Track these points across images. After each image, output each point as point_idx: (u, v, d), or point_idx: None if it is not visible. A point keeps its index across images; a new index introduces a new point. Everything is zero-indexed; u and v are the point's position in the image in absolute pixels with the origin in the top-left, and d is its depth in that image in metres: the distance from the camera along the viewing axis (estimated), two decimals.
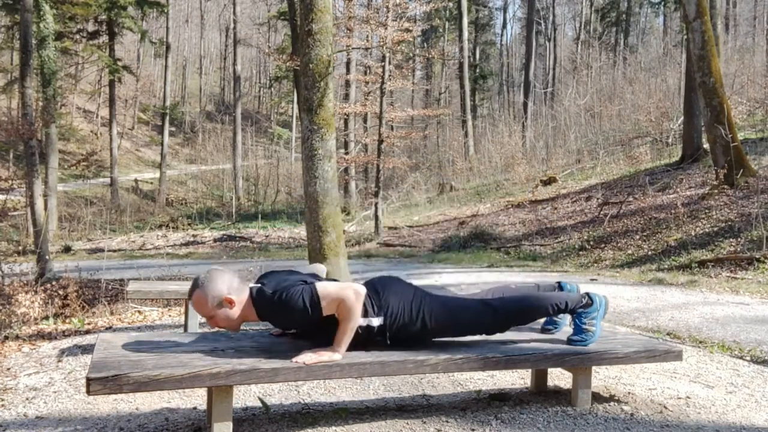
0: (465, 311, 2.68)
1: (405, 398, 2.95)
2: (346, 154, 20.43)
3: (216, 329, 3.08)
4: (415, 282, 2.88)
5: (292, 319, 2.47)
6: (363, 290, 2.44)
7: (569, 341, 2.81)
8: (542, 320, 3.06)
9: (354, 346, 2.49)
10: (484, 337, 2.91)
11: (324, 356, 2.35)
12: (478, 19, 41.33)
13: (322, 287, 2.39)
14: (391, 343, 2.60)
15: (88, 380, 2.06)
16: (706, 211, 10.53)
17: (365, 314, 2.54)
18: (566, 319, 3.08)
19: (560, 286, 2.97)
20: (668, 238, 10.09)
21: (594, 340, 2.81)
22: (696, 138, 14.62)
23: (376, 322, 2.56)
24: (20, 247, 13.67)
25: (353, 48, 19.71)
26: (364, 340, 2.56)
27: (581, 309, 2.83)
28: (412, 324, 2.60)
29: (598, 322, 2.84)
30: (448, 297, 2.74)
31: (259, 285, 2.51)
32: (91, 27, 28.67)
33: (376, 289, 2.63)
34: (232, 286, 2.45)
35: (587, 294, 2.88)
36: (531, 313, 2.81)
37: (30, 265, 9.96)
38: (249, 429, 2.47)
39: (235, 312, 2.45)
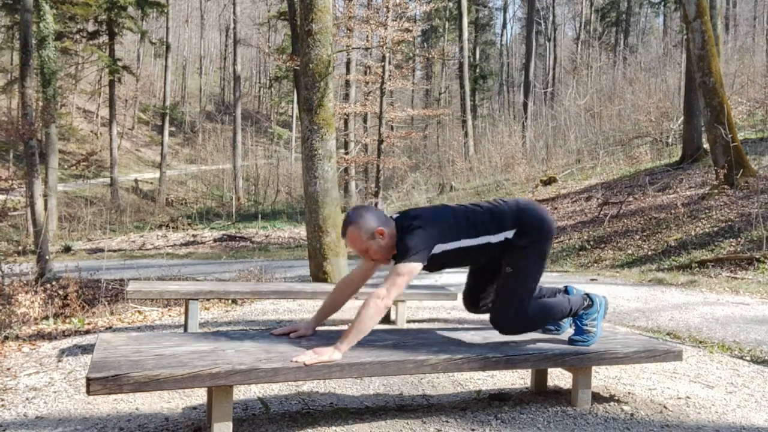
0: (529, 293, 2.75)
1: (405, 398, 2.95)
2: (346, 154, 20.44)
3: (216, 330, 3.08)
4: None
5: (402, 247, 2.56)
6: (389, 305, 2.51)
7: (571, 341, 2.82)
8: None
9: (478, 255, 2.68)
10: (484, 337, 2.91)
11: (324, 356, 2.35)
12: (478, 19, 41.33)
13: (413, 266, 2.50)
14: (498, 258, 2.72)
15: (88, 380, 2.06)
16: (706, 211, 10.53)
17: (504, 228, 2.68)
18: (569, 321, 3.09)
19: (566, 291, 2.97)
20: (668, 238, 10.09)
21: (595, 341, 2.83)
22: (696, 138, 14.62)
23: (510, 234, 2.68)
24: (20, 247, 13.67)
25: (353, 48, 19.72)
26: (500, 251, 2.69)
27: (582, 310, 2.85)
28: (523, 242, 2.69)
29: (599, 322, 2.86)
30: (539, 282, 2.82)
31: (402, 218, 2.65)
32: (91, 27, 28.68)
33: (516, 207, 2.75)
34: (380, 218, 2.60)
35: (587, 295, 2.90)
36: (545, 321, 2.85)
37: (30, 265, 9.96)
38: (249, 429, 2.47)
39: (387, 242, 2.58)
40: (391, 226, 2.61)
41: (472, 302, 2.95)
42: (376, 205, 16.51)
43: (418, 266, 2.52)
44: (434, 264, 2.65)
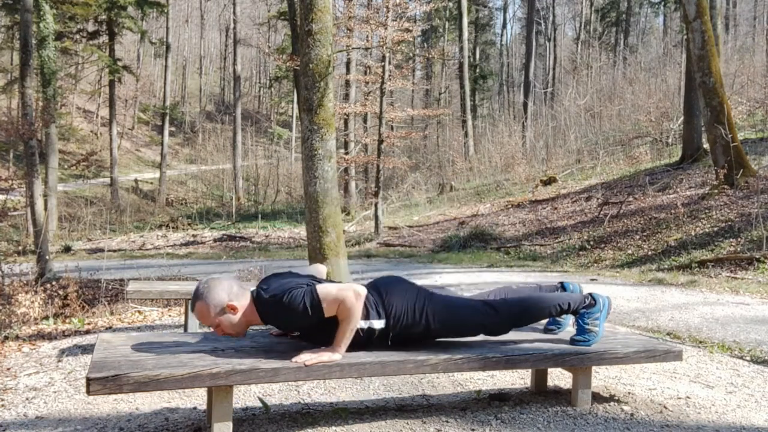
0: (468, 312, 2.68)
1: (405, 398, 2.95)
2: (346, 154, 20.43)
3: None
4: (415, 282, 2.88)
5: (294, 321, 2.47)
6: (363, 291, 2.43)
7: (572, 341, 2.81)
8: (545, 320, 3.05)
9: (354, 347, 2.49)
10: (484, 337, 2.91)
11: (324, 356, 2.35)
12: (478, 19, 41.32)
13: (322, 288, 2.39)
14: (392, 344, 2.60)
15: (88, 380, 2.06)
16: (706, 211, 10.53)
17: (366, 316, 2.53)
18: (569, 319, 3.08)
19: (563, 287, 2.97)
20: (668, 238, 10.09)
21: (597, 341, 2.82)
22: (696, 138, 14.63)
23: (377, 324, 2.56)
24: (20, 247, 13.67)
25: (353, 48, 19.71)
26: (365, 341, 2.56)
27: (584, 309, 2.83)
28: (415, 325, 2.60)
29: (602, 322, 2.84)
30: (452, 297, 2.73)
31: (259, 288, 2.51)
32: (91, 27, 28.67)
33: (379, 290, 2.63)
34: (232, 291, 2.45)
35: (590, 294, 2.88)
36: (533, 314, 2.80)
37: (30, 265, 9.95)
38: (249, 429, 2.47)
39: (239, 317, 2.45)
40: (245, 297, 2.48)
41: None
42: (376, 205, 16.50)
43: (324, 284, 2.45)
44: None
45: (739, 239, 8.98)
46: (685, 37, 14.22)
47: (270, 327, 3.34)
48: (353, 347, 2.49)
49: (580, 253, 10.94)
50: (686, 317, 5.30)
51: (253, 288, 2.55)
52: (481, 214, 17.01)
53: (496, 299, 2.79)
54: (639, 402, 2.92)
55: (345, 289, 2.39)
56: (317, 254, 6.10)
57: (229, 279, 2.52)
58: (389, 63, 16.71)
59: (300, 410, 2.75)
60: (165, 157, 29.75)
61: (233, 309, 2.44)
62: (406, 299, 2.61)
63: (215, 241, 17.14)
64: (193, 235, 18.27)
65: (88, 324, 5.32)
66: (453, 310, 2.66)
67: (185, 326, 4.31)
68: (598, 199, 14.21)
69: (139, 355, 2.35)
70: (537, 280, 7.83)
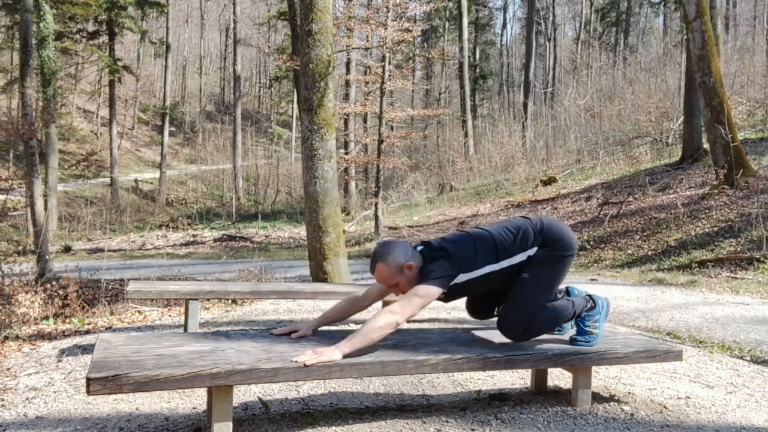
0: (543, 300, 2.74)
1: (405, 398, 2.95)
2: (346, 154, 20.43)
3: (216, 330, 3.08)
4: None
5: (425, 272, 2.59)
6: (402, 323, 2.50)
7: (572, 341, 2.82)
8: None
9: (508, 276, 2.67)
10: (484, 337, 2.91)
11: (324, 356, 2.35)
12: (478, 19, 41.33)
13: (433, 289, 2.50)
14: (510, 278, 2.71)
15: (88, 380, 2.06)
16: (706, 211, 10.53)
17: (527, 247, 2.69)
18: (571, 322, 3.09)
19: (567, 292, 2.97)
20: (668, 238, 10.09)
21: (597, 342, 2.83)
22: (696, 138, 14.63)
23: (531, 252, 2.70)
24: (20, 247, 13.68)
25: (353, 48, 19.72)
26: (521, 268, 2.70)
27: (585, 312, 2.86)
28: (542, 255, 2.71)
29: (601, 323, 2.86)
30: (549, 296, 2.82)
31: (423, 252, 2.66)
32: (91, 27, 28.67)
33: (542, 224, 2.76)
34: (408, 253, 2.60)
35: (590, 296, 2.90)
36: (550, 329, 2.85)
37: (30, 265, 9.96)
38: (249, 429, 2.47)
39: (416, 275, 2.58)
40: (418, 258, 2.62)
41: (477, 310, 2.96)
42: (376, 205, 16.50)
43: (437, 290, 2.53)
44: (456, 292, 2.66)
45: (739, 239, 8.98)
46: (685, 37, 14.23)
47: (270, 327, 3.32)
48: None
49: (580, 253, 10.95)
50: (686, 317, 5.30)
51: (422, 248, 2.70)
52: (481, 214, 17.02)
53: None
54: (639, 402, 2.92)
55: (406, 310, 2.46)
56: (317, 254, 6.10)
57: (403, 242, 2.67)
58: (389, 63, 16.71)
59: (300, 410, 2.75)
60: (165, 157, 29.75)
61: (410, 268, 2.58)
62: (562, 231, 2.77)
63: (215, 241, 17.14)
64: (193, 235, 18.27)
65: (88, 324, 5.32)
66: (551, 283, 2.77)
67: (185, 326, 4.31)
68: (598, 199, 14.21)
69: (139, 355, 2.35)
70: None
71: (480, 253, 2.64)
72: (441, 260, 2.58)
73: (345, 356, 2.38)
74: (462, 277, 2.60)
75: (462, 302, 5.86)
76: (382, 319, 2.42)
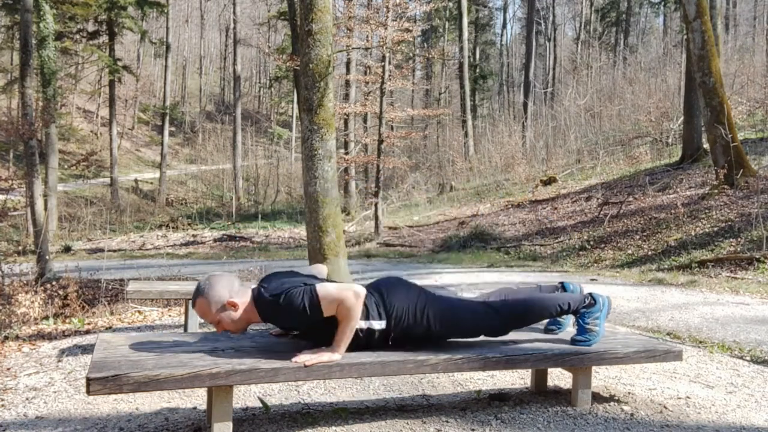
0: (468, 314, 2.68)
1: (405, 398, 2.95)
2: (346, 154, 20.43)
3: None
4: (416, 282, 2.88)
5: (293, 319, 2.47)
6: (363, 291, 2.43)
7: (573, 341, 2.81)
8: (545, 320, 3.05)
9: (354, 348, 2.49)
10: (484, 337, 2.91)
11: (323, 356, 2.35)
12: (478, 19, 41.32)
13: (321, 288, 2.39)
14: (392, 344, 2.60)
15: (88, 380, 2.06)
16: (706, 211, 10.53)
17: (366, 317, 2.53)
18: (569, 319, 3.09)
19: (563, 287, 2.97)
20: (668, 238, 10.09)
21: (597, 340, 2.82)
22: (696, 138, 14.63)
23: (377, 325, 2.55)
24: (20, 247, 13.67)
25: (353, 48, 19.71)
26: (365, 342, 2.55)
27: (584, 309, 2.84)
28: (416, 326, 2.60)
29: (602, 322, 2.84)
30: (452, 299, 2.73)
31: (260, 287, 2.51)
32: (91, 27, 28.67)
33: (380, 290, 2.62)
34: (233, 289, 2.47)
35: (590, 294, 2.89)
36: (534, 315, 2.80)
37: (30, 265, 9.96)
38: (249, 429, 2.47)
39: (239, 314, 2.46)
40: (246, 295, 2.49)
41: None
42: (376, 205, 16.49)
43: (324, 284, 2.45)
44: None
45: (739, 239, 8.98)
46: (685, 37, 14.22)
47: (270, 326, 3.33)
48: (353, 348, 2.49)
49: (580, 253, 10.94)
50: (686, 317, 5.30)
51: (254, 286, 2.55)
52: (481, 214, 17.01)
53: (496, 300, 2.78)
54: (639, 402, 2.92)
55: (344, 289, 2.38)
56: (317, 254, 6.10)
57: (230, 276, 2.52)
58: (389, 63, 16.71)
59: (300, 410, 2.75)
60: (165, 157, 29.74)
61: (234, 306, 2.44)
62: (407, 300, 2.61)
63: (215, 241, 17.14)
64: (193, 235, 18.27)
65: (88, 324, 5.32)
66: (454, 312, 2.66)
67: (185, 326, 4.31)
68: (598, 199, 14.20)
69: (139, 355, 2.35)
70: (537, 279, 7.83)
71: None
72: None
73: (344, 354, 2.39)
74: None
75: None
76: (347, 303, 2.36)
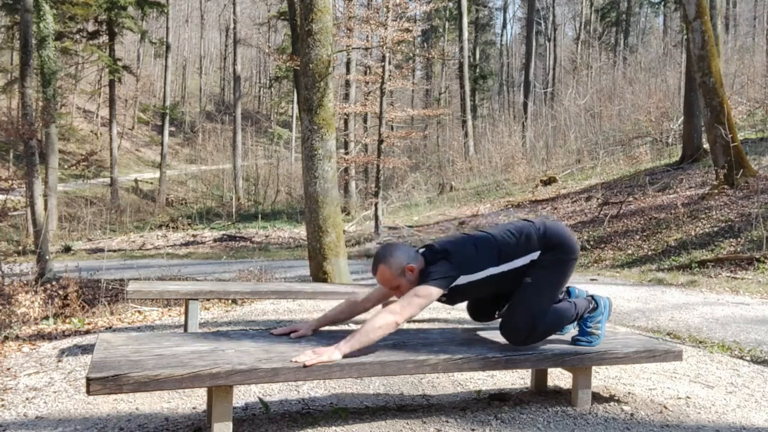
0: (546, 304, 2.73)
1: (405, 398, 2.95)
2: (346, 154, 20.43)
3: (216, 330, 3.08)
4: None
5: (426, 274, 2.59)
6: (394, 327, 2.49)
7: (574, 341, 2.82)
8: None
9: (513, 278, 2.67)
10: (484, 337, 2.91)
11: (324, 356, 2.35)
12: (478, 19, 41.33)
13: (426, 290, 2.50)
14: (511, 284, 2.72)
15: (88, 380, 2.06)
16: (706, 211, 10.53)
17: (530, 250, 2.68)
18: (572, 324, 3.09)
19: (568, 292, 2.97)
20: (668, 238, 10.09)
21: (599, 342, 2.83)
22: (696, 138, 14.63)
23: (535, 256, 2.69)
24: (20, 247, 13.69)
25: (353, 48, 19.71)
26: (523, 271, 2.69)
27: (587, 313, 2.86)
28: (545, 259, 2.71)
29: (603, 324, 2.86)
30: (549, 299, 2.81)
31: (427, 254, 2.66)
32: (91, 27, 28.67)
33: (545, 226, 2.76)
34: (410, 255, 2.61)
35: (592, 297, 2.90)
36: (556, 329, 2.83)
37: (30, 265, 9.96)
38: (249, 429, 2.47)
39: (416, 278, 2.59)
40: (419, 261, 2.63)
41: (478, 313, 2.96)
42: (376, 205, 16.50)
43: (437, 291, 2.52)
44: (457, 295, 2.66)
45: (739, 239, 8.98)
46: (685, 37, 14.23)
47: (268, 325, 3.32)
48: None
49: (580, 253, 10.94)
50: (686, 317, 5.30)
51: (425, 250, 2.69)
52: (481, 214, 17.01)
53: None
54: (639, 402, 2.92)
55: (406, 311, 2.45)
56: (317, 254, 6.10)
57: (403, 244, 2.69)
58: (389, 63, 16.71)
59: (300, 410, 2.75)
60: (165, 157, 29.74)
61: (411, 271, 2.58)
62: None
63: (215, 241, 17.14)
64: (193, 235, 18.27)
65: (88, 324, 5.32)
66: (554, 288, 2.76)
67: (185, 326, 4.31)
68: (598, 199, 14.21)
69: (139, 355, 2.35)
70: None
71: (481, 254, 2.63)
72: (442, 261, 2.58)
73: (345, 356, 2.39)
74: (463, 279, 2.60)
75: (463, 303, 5.87)
76: (382, 319, 2.42)
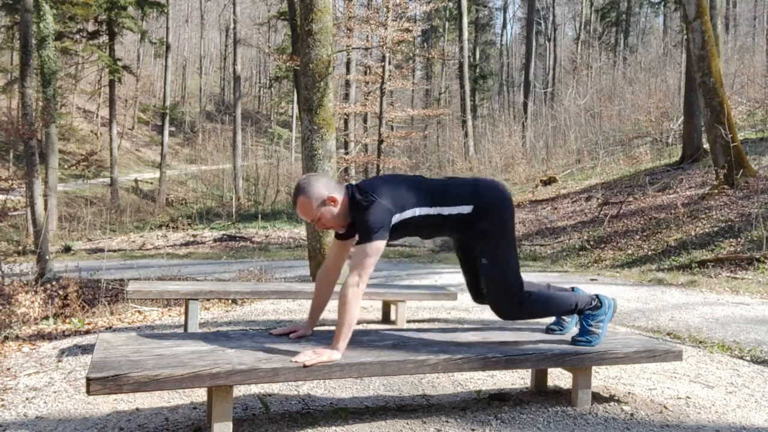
0: (514, 274, 2.73)
1: (405, 398, 2.95)
2: (346, 154, 20.44)
3: (216, 330, 3.08)
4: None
5: (362, 225, 2.52)
6: (362, 292, 2.47)
7: (574, 341, 2.82)
8: (548, 320, 3.06)
9: (432, 229, 2.64)
10: (484, 337, 2.91)
11: (323, 356, 2.35)
12: (478, 19, 41.34)
13: (372, 247, 2.45)
14: (462, 238, 2.70)
15: (88, 380, 2.06)
16: (706, 211, 10.53)
17: (463, 201, 2.63)
18: (573, 323, 3.09)
19: (573, 291, 2.97)
20: (668, 238, 10.09)
21: (598, 342, 2.82)
22: (696, 138, 14.63)
23: (467, 209, 2.63)
24: (20, 247, 13.69)
25: (353, 48, 19.73)
26: (452, 224, 2.65)
27: (589, 311, 2.84)
28: (489, 224, 2.66)
29: (605, 324, 2.85)
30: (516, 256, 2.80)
31: (354, 189, 2.59)
32: (91, 27, 28.68)
33: (477, 185, 2.71)
34: (330, 185, 2.56)
35: (597, 296, 2.89)
36: (547, 310, 2.82)
37: (30, 265, 9.96)
38: (249, 429, 2.47)
39: (338, 209, 2.55)
40: (342, 192, 2.57)
41: (475, 293, 2.96)
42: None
43: (382, 243, 2.49)
44: (394, 235, 2.63)
45: (739, 239, 8.98)
46: (685, 37, 14.23)
47: (272, 327, 3.32)
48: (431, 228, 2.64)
49: (580, 253, 10.94)
50: (686, 317, 5.30)
51: (350, 184, 2.65)
52: None
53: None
54: (639, 402, 2.92)
55: (364, 274, 2.44)
56: (317, 254, 6.09)
57: (325, 175, 2.66)
58: (389, 63, 16.72)
59: (300, 410, 2.75)
60: (165, 157, 29.74)
61: (333, 201, 2.54)
62: (496, 208, 2.69)
63: (215, 241, 17.14)
64: (193, 235, 18.26)
65: (88, 324, 5.32)
66: (511, 254, 2.74)
67: (185, 326, 4.31)
68: (598, 199, 14.21)
69: (139, 355, 2.35)
70: (538, 280, 7.83)
71: (411, 194, 2.59)
72: (374, 207, 2.49)
73: (342, 353, 2.39)
74: (396, 218, 2.56)
75: (463, 303, 5.85)
76: (350, 295, 2.42)
